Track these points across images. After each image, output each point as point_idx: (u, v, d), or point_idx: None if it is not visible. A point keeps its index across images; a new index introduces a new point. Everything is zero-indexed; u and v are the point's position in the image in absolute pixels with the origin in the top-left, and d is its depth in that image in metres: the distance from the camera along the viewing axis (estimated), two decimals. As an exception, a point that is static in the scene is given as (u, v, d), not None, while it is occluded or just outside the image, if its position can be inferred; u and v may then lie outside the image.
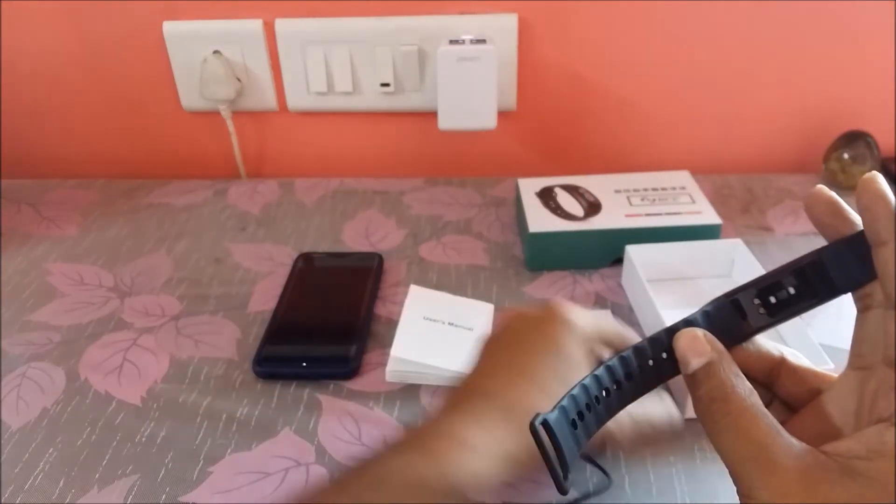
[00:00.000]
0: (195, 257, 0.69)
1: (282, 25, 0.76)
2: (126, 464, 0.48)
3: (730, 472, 0.28)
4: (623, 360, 0.31)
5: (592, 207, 0.66)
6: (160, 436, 0.50)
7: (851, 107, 0.79)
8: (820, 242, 0.31)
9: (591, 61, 0.77)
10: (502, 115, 0.78)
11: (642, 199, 0.67)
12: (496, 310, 0.59)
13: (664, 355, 0.31)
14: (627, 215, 0.65)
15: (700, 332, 0.30)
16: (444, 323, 0.56)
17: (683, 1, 0.73)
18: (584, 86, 0.79)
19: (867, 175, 0.29)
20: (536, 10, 0.74)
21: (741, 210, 0.74)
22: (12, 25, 0.79)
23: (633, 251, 0.61)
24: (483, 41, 0.71)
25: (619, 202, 0.67)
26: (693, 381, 0.29)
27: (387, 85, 0.77)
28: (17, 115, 0.85)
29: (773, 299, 0.31)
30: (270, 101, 0.81)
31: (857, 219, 0.29)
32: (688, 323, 0.31)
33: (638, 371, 0.31)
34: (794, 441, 0.27)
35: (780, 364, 0.33)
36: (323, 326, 0.58)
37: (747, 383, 0.29)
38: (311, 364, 0.54)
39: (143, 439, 0.50)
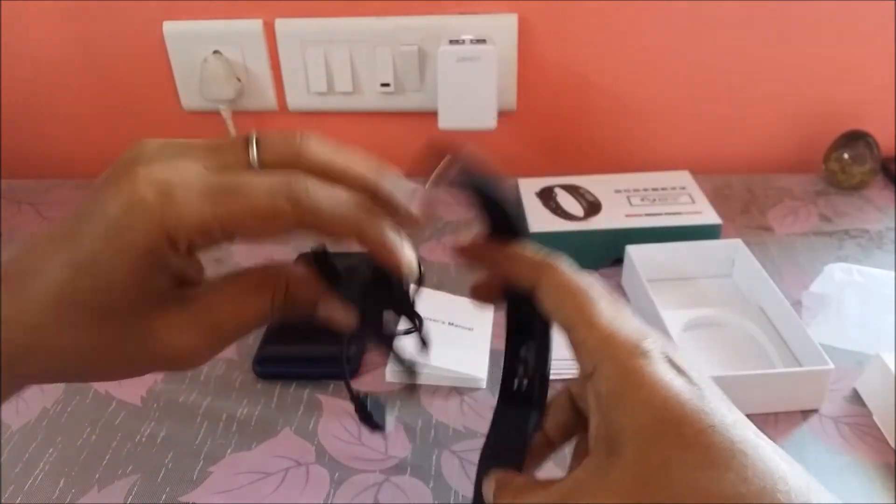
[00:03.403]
0: (195, 257, 0.69)
1: (282, 25, 0.76)
2: (126, 464, 0.48)
3: None
4: None
5: (592, 207, 0.66)
6: (160, 436, 0.50)
7: (851, 107, 0.79)
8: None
9: (591, 61, 0.77)
10: (502, 115, 0.78)
11: (642, 199, 0.67)
12: (496, 310, 0.59)
13: None
14: (627, 215, 0.65)
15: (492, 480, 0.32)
16: (444, 323, 0.56)
17: (683, 1, 0.73)
18: (584, 86, 0.79)
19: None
20: (536, 10, 0.74)
21: (741, 210, 0.74)
22: (12, 26, 0.79)
23: (633, 251, 0.61)
24: (483, 41, 0.71)
25: (619, 202, 0.67)
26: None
27: (387, 85, 0.77)
28: (17, 116, 0.85)
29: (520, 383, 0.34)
30: (270, 101, 0.81)
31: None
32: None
33: None
34: (550, 482, 0.29)
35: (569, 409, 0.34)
36: (323, 326, 0.57)
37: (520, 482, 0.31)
38: (311, 364, 0.54)
39: (143, 439, 0.50)
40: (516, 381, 0.34)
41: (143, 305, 0.28)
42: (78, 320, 0.27)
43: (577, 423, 0.33)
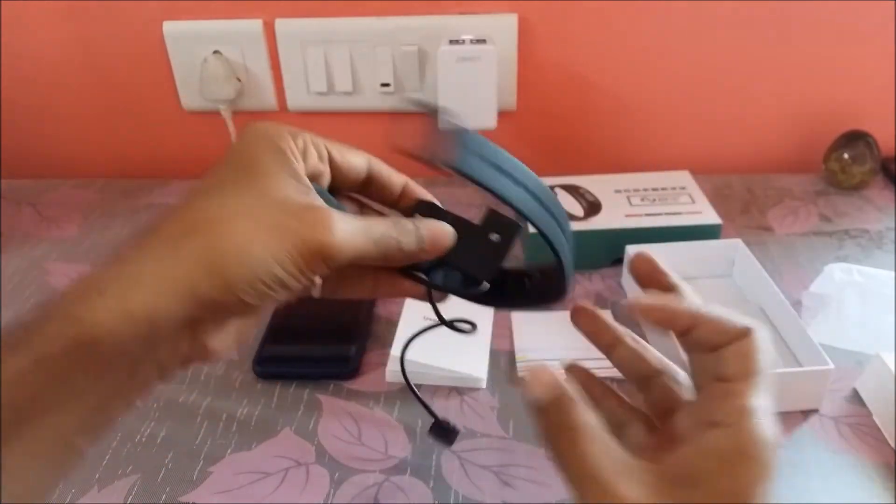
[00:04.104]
0: (195, 257, 0.69)
1: (282, 25, 0.76)
2: (126, 464, 0.48)
3: (574, 496, 0.29)
4: None
5: (592, 207, 0.66)
6: (160, 436, 0.50)
7: (851, 107, 0.79)
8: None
9: (591, 61, 0.77)
10: (502, 115, 0.78)
11: (642, 199, 0.67)
12: (496, 310, 0.59)
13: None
14: (627, 215, 0.65)
15: (542, 368, 0.32)
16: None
17: (683, 1, 0.73)
18: (584, 86, 0.79)
19: (662, 311, 0.32)
20: (536, 10, 0.74)
21: (741, 210, 0.74)
22: (12, 26, 0.79)
23: (633, 251, 0.61)
24: (483, 41, 0.71)
25: (619, 202, 0.67)
26: (540, 413, 0.31)
27: (387, 85, 0.77)
28: (17, 116, 0.85)
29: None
30: (270, 101, 0.81)
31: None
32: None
33: None
34: (632, 458, 0.29)
35: (657, 377, 0.35)
36: (323, 326, 0.58)
37: (586, 410, 0.30)
38: (311, 364, 0.54)
39: (143, 439, 0.50)
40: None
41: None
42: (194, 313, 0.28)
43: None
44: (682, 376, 0.35)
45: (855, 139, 0.74)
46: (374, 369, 0.55)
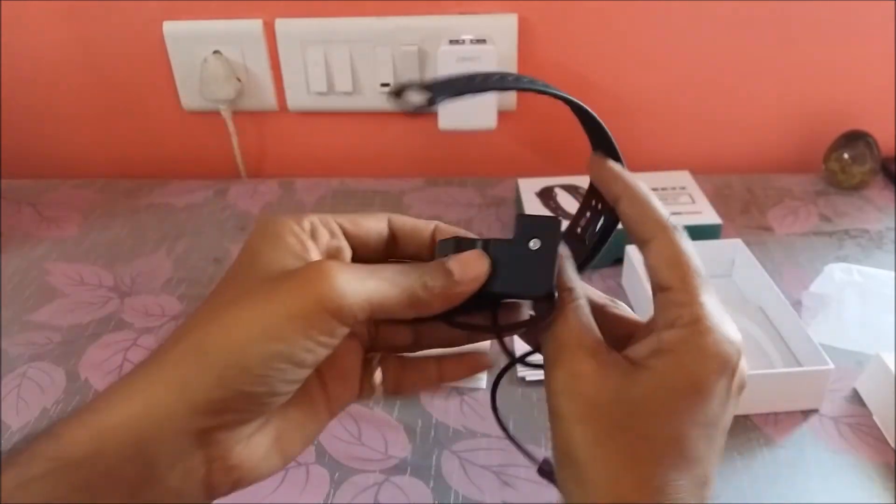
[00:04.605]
0: (195, 257, 0.69)
1: (282, 25, 0.76)
2: (126, 464, 0.48)
3: (546, 365, 0.30)
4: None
5: (592, 207, 0.66)
6: (160, 436, 0.50)
7: (851, 107, 0.79)
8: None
9: (591, 61, 0.77)
10: (502, 115, 0.78)
11: (642, 199, 0.67)
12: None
13: None
14: (627, 215, 0.65)
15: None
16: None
17: (683, 1, 0.73)
18: (584, 86, 0.79)
19: (606, 169, 0.32)
20: (536, 10, 0.74)
21: (741, 210, 0.74)
22: (12, 26, 0.79)
23: (633, 251, 0.61)
24: (483, 41, 0.71)
25: (619, 202, 0.67)
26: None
27: (387, 85, 0.77)
28: (17, 116, 0.85)
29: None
30: (270, 101, 0.81)
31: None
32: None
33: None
34: (603, 341, 0.29)
35: (600, 310, 0.34)
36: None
37: (580, 285, 0.31)
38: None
39: (143, 439, 0.49)
40: (580, 227, 0.35)
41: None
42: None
43: None
44: (624, 305, 0.35)
45: (855, 139, 0.74)
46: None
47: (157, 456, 0.24)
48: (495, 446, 0.48)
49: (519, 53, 0.76)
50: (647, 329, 0.31)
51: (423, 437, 0.49)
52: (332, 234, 0.31)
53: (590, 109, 0.32)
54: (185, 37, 0.78)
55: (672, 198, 0.67)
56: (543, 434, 0.49)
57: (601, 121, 0.32)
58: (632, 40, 0.76)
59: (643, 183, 0.32)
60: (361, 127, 0.83)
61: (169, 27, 0.77)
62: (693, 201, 0.66)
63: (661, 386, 0.27)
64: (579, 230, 0.35)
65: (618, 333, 0.32)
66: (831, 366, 0.48)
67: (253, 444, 0.27)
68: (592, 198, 0.35)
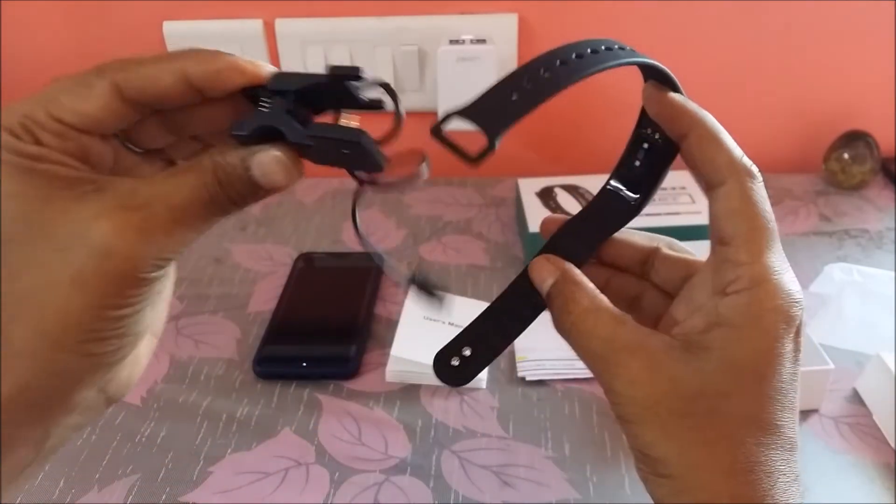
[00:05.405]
0: (195, 257, 0.69)
1: (282, 25, 0.76)
2: (126, 464, 0.48)
3: (594, 375, 0.28)
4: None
5: (592, 207, 0.66)
6: (160, 436, 0.50)
7: (851, 107, 0.79)
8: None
9: (591, 61, 0.77)
10: (502, 115, 0.78)
11: (642, 199, 0.67)
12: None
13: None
14: (627, 215, 0.65)
15: (543, 257, 0.31)
16: (444, 323, 0.56)
17: (683, 1, 0.73)
18: (584, 86, 0.78)
19: (668, 100, 0.30)
20: (536, 10, 0.74)
21: (741, 210, 0.74)
22: (12, 25, 0.79)
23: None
24: (483, 41, 0.71)
25: (619, 202, 0.67)
26: (549, 302, 0.30)
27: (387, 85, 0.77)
28: (17, 115, 0.85)
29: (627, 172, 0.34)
30: (270, 101, 0.81)
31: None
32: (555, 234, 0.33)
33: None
34: (640, 329, 0.28)
35: (654, 254, 0.33)
36: (323, 326, 0.58)
37: (590, 287, 0.29)
38: (311, 364, 0.54)
39: (143, 439, 0.50)
40: (636, 162, 0.34)
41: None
42: None
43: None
44: (678, 243, 0.33)
45: (855, 139, 0.74)
46: (374, 369, 0.55)
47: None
48: (495, 446, 0.48)
49: (519, 53, 0.76)
50: (704, 275, 0.29)
51: (423, 436, 0.49)
52: (58, 118, 0.24)
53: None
54: (185, 37, 0.78)
55: (672, 198, 0.67)
56: (544, 434, 0.49)
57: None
58: (632, 40, 0.76)
59: (712, 117, 0.29)
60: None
61: (169, 27, 0.77)
62: (693, 201, 0.66)
63: (724, 365, 0.25)
64: (633, 168, 0.34)
65: (674, 276, 0.31)
66: (831, 366, 0.48)
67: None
68: (645, 128, 0.33)
